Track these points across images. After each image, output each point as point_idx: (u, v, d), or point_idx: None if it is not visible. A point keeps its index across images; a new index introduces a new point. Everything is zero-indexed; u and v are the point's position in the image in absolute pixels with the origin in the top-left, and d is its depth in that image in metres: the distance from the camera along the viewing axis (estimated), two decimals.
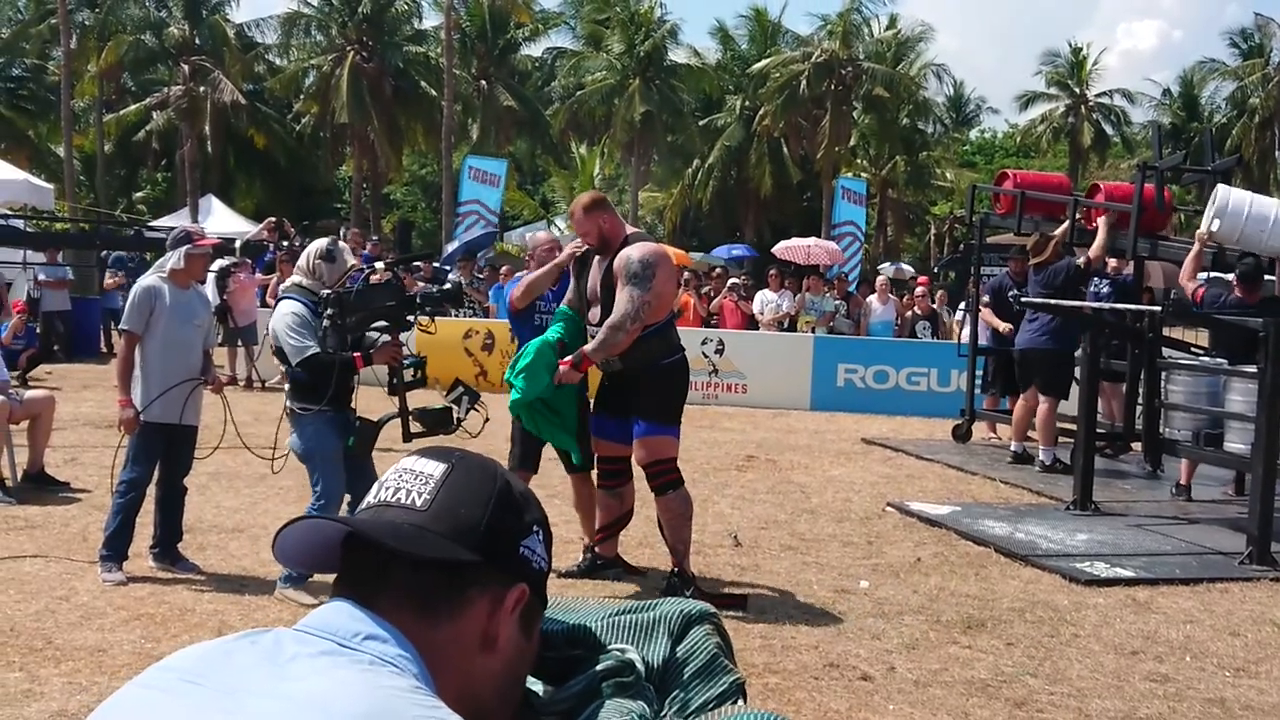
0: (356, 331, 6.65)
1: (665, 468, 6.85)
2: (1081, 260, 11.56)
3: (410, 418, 6.78)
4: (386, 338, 6.81)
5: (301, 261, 7.02)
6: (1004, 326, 13.00)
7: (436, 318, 6.99)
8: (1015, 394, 12.93)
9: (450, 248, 25.95)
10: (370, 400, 7.12)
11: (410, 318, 6.79)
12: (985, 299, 13.54)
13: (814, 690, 5.49)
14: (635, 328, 6.58)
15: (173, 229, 8.23)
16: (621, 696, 1.59)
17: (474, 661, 1.40)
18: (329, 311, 6.45)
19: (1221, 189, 10.54)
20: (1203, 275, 11.35)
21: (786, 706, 5.25)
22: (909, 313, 20.10)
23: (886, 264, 26.71)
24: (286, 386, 6.90)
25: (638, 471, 7.11)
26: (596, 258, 6.96)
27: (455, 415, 6.73)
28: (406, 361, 6.90)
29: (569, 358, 6.72)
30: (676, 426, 6.95)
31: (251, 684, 1.25)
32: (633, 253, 6.70)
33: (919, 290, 20.93)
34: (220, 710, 1.22)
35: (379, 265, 6.92)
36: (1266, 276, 10.79)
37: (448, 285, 7.10)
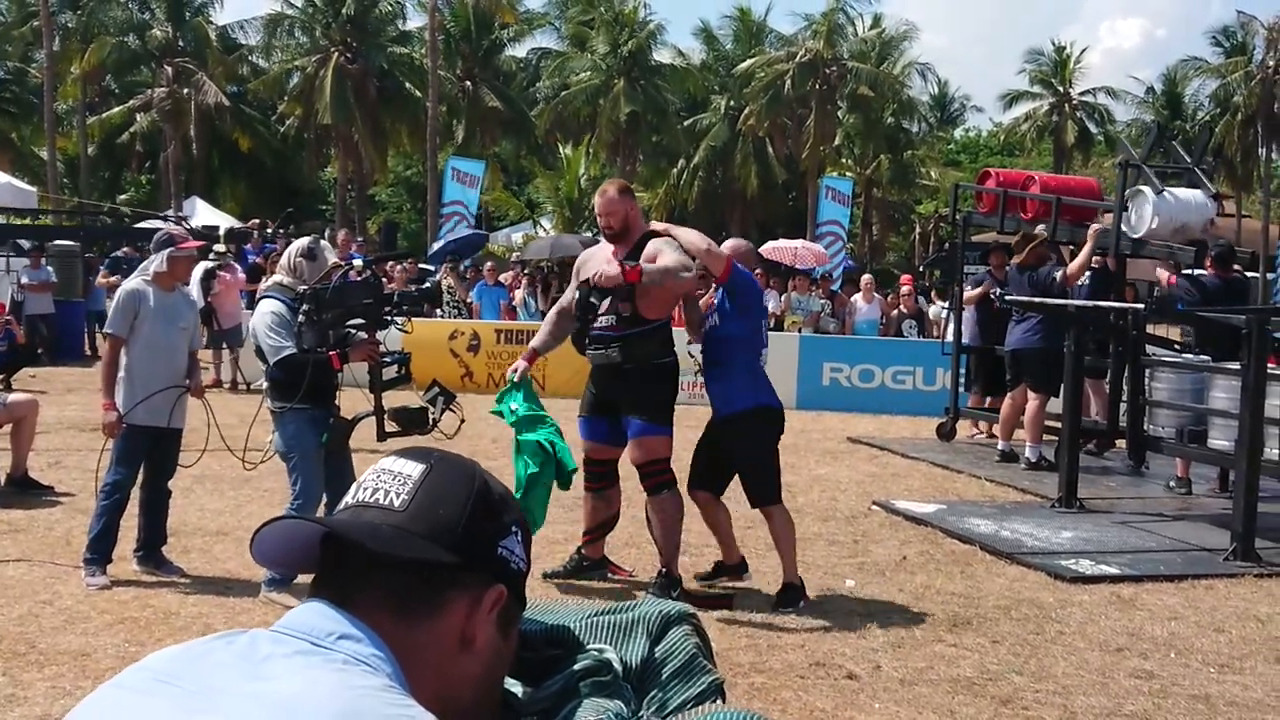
0: (334, 329, 6.62)
1: (659, 468, 6.86)
2: (1059, 275, 11.57)
3: (385, 417, 6.76)
4: (363, 335, 6.78)
5: (283, 260, 7.02)
6: (972, 293, 13.09)
7: (414, 317, 6.96)
8: (998, 392, 12.97)
9: (436, 246, 25.99)
10: (354, 401, 7.09)
11: (387, 316, 6.77)
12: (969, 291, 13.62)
13: (800, 689, 5.49)
14: (687, 278, 6.72)
15: (167, 215, 8.22)
16: (599, 696, 1.59)
17: (451, 662, 1.40)
18: (305, 308, 6.44)
19: (1145, 190, 11.17)
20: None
21: (772, 705, 5.25)
22: (895, 311, 20.13)
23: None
24: (265, 385, 6.89)
25: (628, 470, 7.12)
26: (611, 247, 6.97)
27: (431, 416, 6.71)
28: (391, 359, 6.88)
29: (621, 262, 6.70)
30: (670, 426, 6.97)
31: (225, 684, 1.25)
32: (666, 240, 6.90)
33: (904, 289, 20.94)
34: (193, 710, 1.22)
35: (356, 263, 6.90)
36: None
37: (427, 285, 7.09)
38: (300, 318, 6.50)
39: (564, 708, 1.58)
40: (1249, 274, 11.13)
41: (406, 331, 7.03)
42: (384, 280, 17.76)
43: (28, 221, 27.13)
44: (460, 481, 1.46)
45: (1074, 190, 13.00)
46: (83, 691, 5.07)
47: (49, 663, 5.54)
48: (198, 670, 1.28)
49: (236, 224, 25.02)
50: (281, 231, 11.86)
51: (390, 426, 6.74)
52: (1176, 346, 11.43)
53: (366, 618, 1.35)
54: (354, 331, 6.81)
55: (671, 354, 6.97)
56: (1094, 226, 11.79)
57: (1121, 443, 11.50)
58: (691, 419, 8.06)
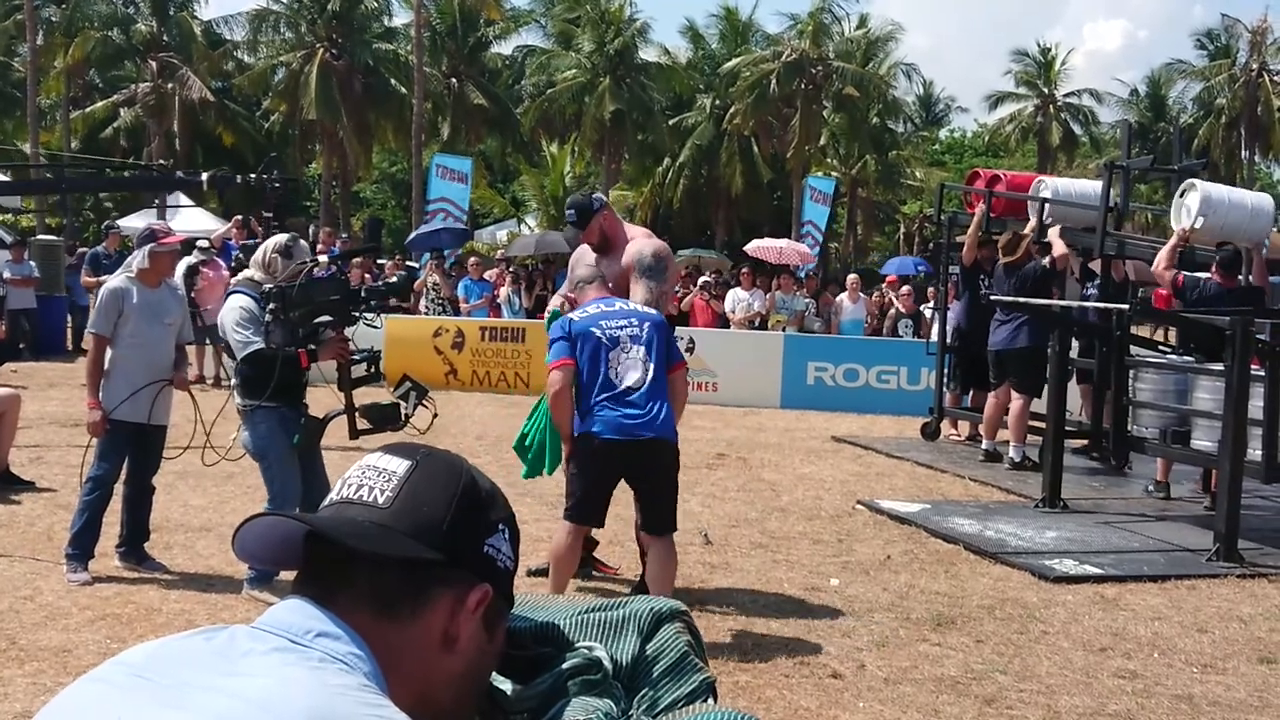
0: (301, 325, 6.53)
1: None
2: (1046, 262, 11.63)
3: (357, 414, 6.69)
4: (331, 333, 6.71)
5: (258, 255, 6.94)
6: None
7: (384, 312, 6.84)
8: (979, 389, 12.99)
9: (418, 232, 25.99)
10: (322, 398, 7.04)
11: (355, 312, 6.69)
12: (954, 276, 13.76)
13: (784, 688, 5.49)
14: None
15: (153, 165, 8.11)
16: (588, 694, 1.58)
17: (435, 661, 1.39)
18: (271, 306, 6.35)
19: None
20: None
21: (757, 704, 5.25)
22: (891, 310, 20.14)
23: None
24: (234, 382, 6.83)
25: None
26: (597, 257, 6.93)
27: (403, 411, 6.65)
28: (360, 356, 6.80)
29: None
30: None
31: (200, 679, 1.24)
32: (644, 247, 6.70)
33: (904, 290, 20.92)
34: (166, 705, 1.21)
35: (322, 259, 6.80)
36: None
37: (394, 279, 6.97)
38: (267, 316, 6.42)
39: (553, 706, 1.57)
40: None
41: (376, 327, 6.95)
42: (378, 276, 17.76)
43: (10, 217, 26.95)
44: (446, 478, 1.45)
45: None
46: (63, 688, 5.03)
47: (30, 659, 5.51)
48: (174, 666, 1.27)
49: (219, 225, 24.87)
50: (266, 178, 11.62)
51: (362, 424, 6.66)
52: (1161, 348, 11.45)
53: (347, 616, 1.34)
54: (324, 330, 6.72)
55: None
56: (1056, 227, 11.89)
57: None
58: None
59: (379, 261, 20.70)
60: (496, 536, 1.46)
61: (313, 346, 6.56)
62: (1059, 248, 11.65)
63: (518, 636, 1.62)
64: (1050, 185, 12.84)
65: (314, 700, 1.20)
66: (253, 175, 11.02)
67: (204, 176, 11.56)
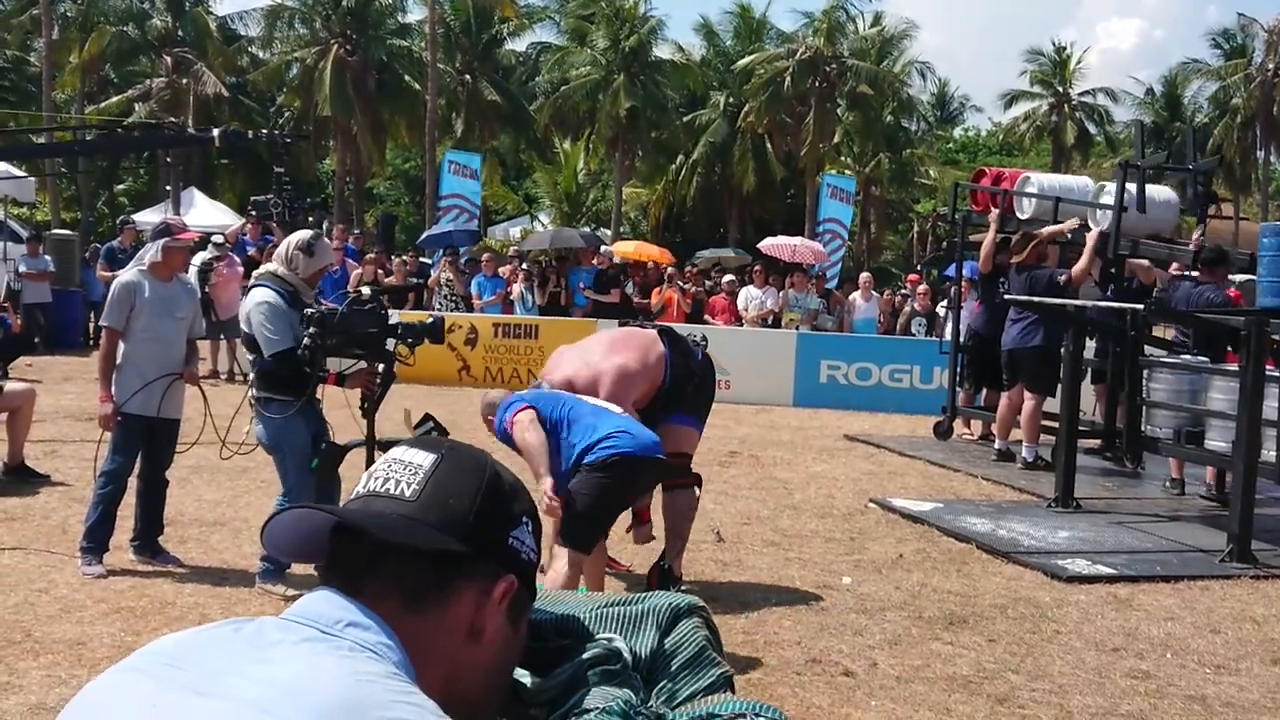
0: (336, 353, 6.52)
1: (683, 463, 6.83)
2: (1063, 278, 11.55)
3: (377, 447, 6.70)
4: (363, 364, 6.69)
5: (280, 250, 6.96)
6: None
7: (415, 349, 6.84)
8: (992, 389, 12.96)
9: (430, 232, 26.03)
10: (345, 429, 7.01)
11: (389, 346, 6.69)
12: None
13: (796, 686, 5.50)
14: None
15: (168, 122, 8.08)
16: (608, 684, 1.59)
17: (460, 652, 1.41)
18: (310, 330, 6.34)
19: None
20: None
21: (768, 702, 5.24)
22: (907, 308, 20.12)
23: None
24: (251, 375, 6.84)
25: None
26: None
27: None
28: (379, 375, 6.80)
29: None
30: (702, 422, 7.09)
31: (231, 668, 1.25)
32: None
33: (921, 288, 20.91)
34: (198, 693, 1.23)
35: (365, 291, 6.75)
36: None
37: (430, 320, 6.92)
38: (306, 339, 6.40)
39: (573, 695, 1.58)
40: (1247, 276, 11.13)
41: (409, 364, 6.95)
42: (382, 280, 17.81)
43: (25, 211, 26.97)
44: (471, 472, 1.46)
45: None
46: (78, 680, 5.07)
47: (45, 651, 5.54)
48: (205, 655, 1.29)
49: (233, 220, 24.94)
50: (277, 133, 11.66)
51: (380, 455, 6.62)
52: (1175, 348, 11.44)
53: (376, 606, 1.36)
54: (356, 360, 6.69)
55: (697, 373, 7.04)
56: (1094, 229, 11.83)
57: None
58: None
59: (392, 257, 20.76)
60: (520, 529, 1.48)
61: (343, 373, 6.58)
62: (1082, 266, 11.60)
63: (538, 629, 1.64)
64: (1036, 181, 12.92)
65: (344, 687, 1.22)
66: (264, 131, 10.97)
67: (215, 133, 11.47)
